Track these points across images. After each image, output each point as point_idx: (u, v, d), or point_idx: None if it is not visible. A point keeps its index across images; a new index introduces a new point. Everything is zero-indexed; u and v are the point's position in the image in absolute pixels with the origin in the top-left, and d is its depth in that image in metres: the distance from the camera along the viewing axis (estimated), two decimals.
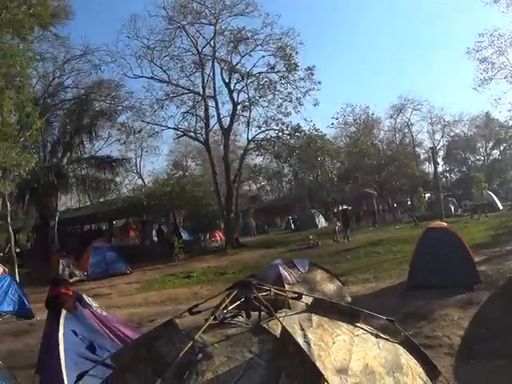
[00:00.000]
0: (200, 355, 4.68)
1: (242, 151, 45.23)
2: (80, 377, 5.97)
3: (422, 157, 79.93)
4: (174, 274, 29.98)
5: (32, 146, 35.48)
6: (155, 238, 44.32)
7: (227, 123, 40.71)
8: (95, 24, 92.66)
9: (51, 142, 40.85)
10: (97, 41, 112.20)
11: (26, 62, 17.01)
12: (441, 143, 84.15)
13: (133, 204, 39.15)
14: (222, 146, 44.54)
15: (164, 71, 41.01)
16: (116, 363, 5.63)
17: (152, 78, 41.47)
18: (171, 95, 41.40)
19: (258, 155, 45.71)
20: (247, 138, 42.14)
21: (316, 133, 40.84)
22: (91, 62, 40.47)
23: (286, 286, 13.30)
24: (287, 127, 40.26)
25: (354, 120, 53.19)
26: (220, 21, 40.50)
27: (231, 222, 39.02)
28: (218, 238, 43.80)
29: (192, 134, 42.63)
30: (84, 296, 10.34)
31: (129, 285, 28.51)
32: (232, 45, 40.36)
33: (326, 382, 4.13)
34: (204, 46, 40.55)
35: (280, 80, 39.89)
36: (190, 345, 4.66)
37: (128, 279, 30.23)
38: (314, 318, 5.07)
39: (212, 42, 40.40)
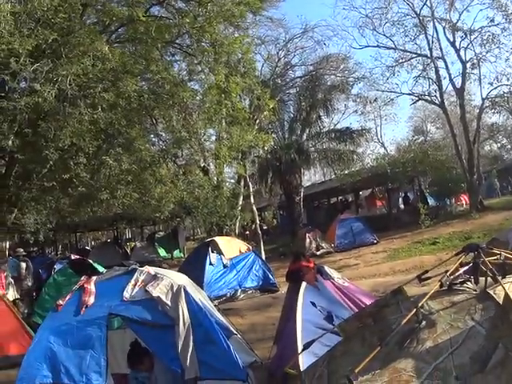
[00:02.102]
0: (423, 323, 4.78)
1: (477, 110, 42.69)
2: (307, 345, 6.08)
3: None
4: (420, 241, 29.23)
5: (269, 126, 36.75)
6: (402, 206, 43.69)
7: (459, 83, 38.67)
8: (308, 2, 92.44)
9: (288, 120, 41.50)
10: (313, 17, 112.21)
11: (245, 48, 17.43)
12: None
13: (377, 173, 38.73)
14: (458, 107, 42.61)
15: (388, 38, 39.86)
16: (343, 332, 5.84)
17: (378, 46, 40.70)
18: (400, 61, 40.14)
19: (494, 113, 43.17)
20: (481, 97, 39.65)
21: None
22: (313, 38, 40.79)
23: None
24: None
25: None
26: None
27: (474, 185, 37.18)
28: (464, 202, 42.07)
29: (427, 97, 40.87)
30: (325, 267, 10.50)
31: (375, 254, 28.45)
32: (448, 2, 38.04)
33: None
34: (421, 8, 38.45)
35: (502, 32, 36.79)
36: (412, 312, 4.73)
37: (375, 249, 30.17)
38: None
39: (428, 3, 38.22)
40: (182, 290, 7.90)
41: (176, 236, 41.36)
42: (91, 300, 7.83)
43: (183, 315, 7.63)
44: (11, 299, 15.80)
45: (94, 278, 8.34)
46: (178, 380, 7.85)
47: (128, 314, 7.78)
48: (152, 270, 8.45)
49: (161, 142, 18.54)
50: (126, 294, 7.86)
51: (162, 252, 40.94)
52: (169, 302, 7.75)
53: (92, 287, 8.01)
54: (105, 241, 54.13)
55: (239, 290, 19.32)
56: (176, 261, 36.42)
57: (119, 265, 8.95)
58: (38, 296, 17.52)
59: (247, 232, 42.40)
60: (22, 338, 12.98)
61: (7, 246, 17.44)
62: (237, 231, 31.30)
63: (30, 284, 18.44)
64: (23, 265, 18.57)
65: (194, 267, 18.89)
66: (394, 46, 40.04)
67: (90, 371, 7.34)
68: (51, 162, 14.05)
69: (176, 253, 40.93)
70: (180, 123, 16.04)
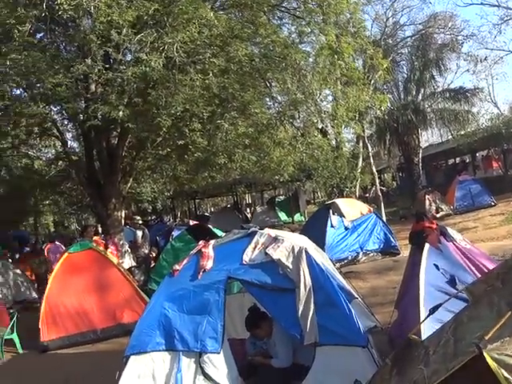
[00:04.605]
0: None
1: None
2: (433, 310, 5.88)
3: None
4: None
5: (384, 86, 36.14)
6: None
7: None
8: None
9: (402, 80, 41.00)
10: None
11: (352, 7, 17.03)
12: None
13: (492, 134, 37.53)
14: None
15: None
16: (470, 295, 5.60)
17: (482, 3, 39.37)
18: (505, 19, 38.53)
19: None
20: None
21: None
22: None
23: None
24: None
25: None
26: None
27: None
28: None
29: None
30: (448, 229, 10.12)
31: (493, 217, 27.80)
32: None
33: None
34: None
35: None
36: None
37: (493, 211, 29.45)
38: None
39: None
40: (304, 251, 7.65)
41: (297, 200, 41.62)
42: (209, 264, 7.75)
43: (304, 278, 7.38)
44: (127, 267, 16.18)
45: (212, 242, 8.27)
46: (297, 346, 7.72)
47: (247, 278, 7.65)
48: (272, 232, 8.27)
49: (276, 105, 18.46)
50: (246, 258, 7.71)
51: (282, 216, 41.54)
52: (290, 265, 7.52)
53: (210, 251, 7.92)
54: (224, 206, 55.33)
55: (361, 253, 19.26)
56: (297, 224, 36.63)
57: (238, 228, 8.89)
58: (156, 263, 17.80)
59: (367, 194, 42.67)
60: (137, 306, 13.21)
61: (123, 216, 17.90)
62: (357, 194, 31.37)
63: (146, 251, 18.76)
64: (139, 233, 18.93)
65: (315, 230, 18.93)
66: (497, 4, 38.62)
67: (206, 337, 7.32)
68: (164, 130, 14.13)
69: (297, 216, 41.37)
70: (295, 85, 15.81)
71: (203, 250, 7.97)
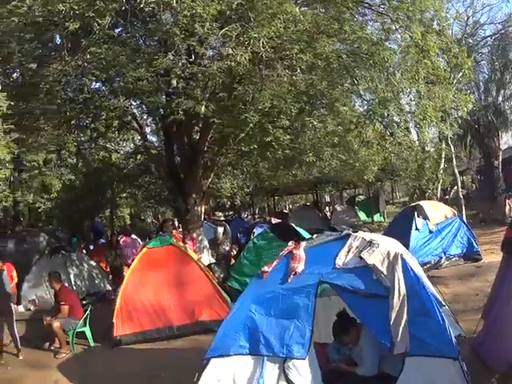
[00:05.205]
0: None
1: None
2: None
3: None
4: None
5: (465, 86, 35.46)
6: None
7: None
8: None
9: (482, 80, 40.13)
10: None
11: (438, 5, 16.61)
12: None
13: None
14: None
15: None
16: None
17: None
18: None
19: None
20: None
21: None
22: None
23: None
24: None
25: None
26: None
27: None
28: None
29: None
30: None
31: None
32: None
33: None
34: None
35: None
36: None
37: None
38: None
39: None
40: (400, 257, 7.37)
41: (377, 199, 41.99)
42: (300, 267, 7.52)
43: (399, 285, 7.10)
44: (206, 263, 16.01)
45: (304, 243, 8.05)
46: (384, 354, 7.42)
47: (340, 282, 7.36)
48: (367, 235, 7.99)
49: (365, 103, 18.23)
50: (339, 261, 7.47)
51: (362, 216, 41.29)
52: (384, 271, 7.26)
53: (301, 253, 7.70)
54: (304, 204, 54.83)
55: (443, 258, 18.75)
56: (376, 225, 36.89)
57: (330, 229, 8.69)
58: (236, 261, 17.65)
59: (446, 196, 41.76)
60: (217, 304, 13.11)
61: (202, 211, 17.86)
62: (438, 195, 31.18)
63: (227, 248, 18.56)
64: (220, 229, 18.65)
65: (399, 232, 18.09)
66: None
67: (293, 342, 7.12)
68: (251, 125, 14.00)
69: (376, 217, 41.43)
70: (383, 83, 15.50)
71: (294, 251, 7.76)
